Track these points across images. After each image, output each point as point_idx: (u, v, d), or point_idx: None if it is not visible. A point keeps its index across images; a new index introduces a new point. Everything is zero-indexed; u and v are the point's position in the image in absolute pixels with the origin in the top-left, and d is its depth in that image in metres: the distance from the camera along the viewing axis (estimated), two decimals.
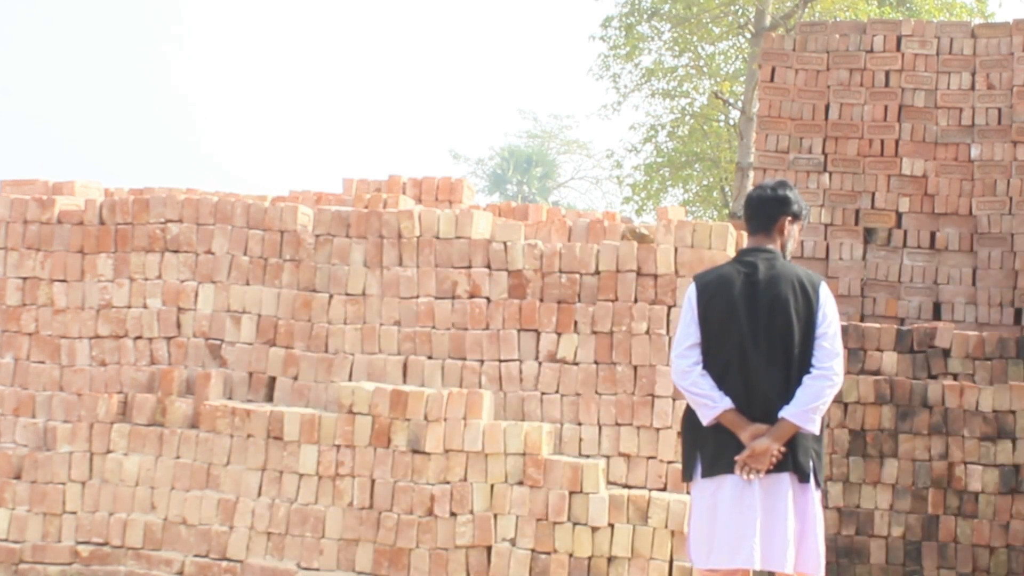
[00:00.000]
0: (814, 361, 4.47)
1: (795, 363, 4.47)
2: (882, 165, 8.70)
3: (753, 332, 4.48)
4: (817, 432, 4.49)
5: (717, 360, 4.52)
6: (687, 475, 4.64)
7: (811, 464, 4.48)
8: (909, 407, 7.23)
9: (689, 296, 4.62)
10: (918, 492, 7.19)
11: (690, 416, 4.63)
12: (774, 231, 4.66)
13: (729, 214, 18.90)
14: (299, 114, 71.02)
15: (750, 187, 4.85)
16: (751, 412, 4.45)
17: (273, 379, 7.19)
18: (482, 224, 7.17)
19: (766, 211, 4.66)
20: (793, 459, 4.44)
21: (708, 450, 4.52)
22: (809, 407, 4.41)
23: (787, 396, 4.45)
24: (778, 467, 4.42)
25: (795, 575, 4.45)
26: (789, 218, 4.67)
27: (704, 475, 4.53)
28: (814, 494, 4.50)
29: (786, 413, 4.41)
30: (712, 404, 4.47)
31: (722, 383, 4.49)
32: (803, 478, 4.45)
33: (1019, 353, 7.36)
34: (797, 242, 4.83)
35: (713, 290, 4.56)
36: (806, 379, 4.45)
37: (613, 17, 22.40)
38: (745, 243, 4.78)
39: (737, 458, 4.41)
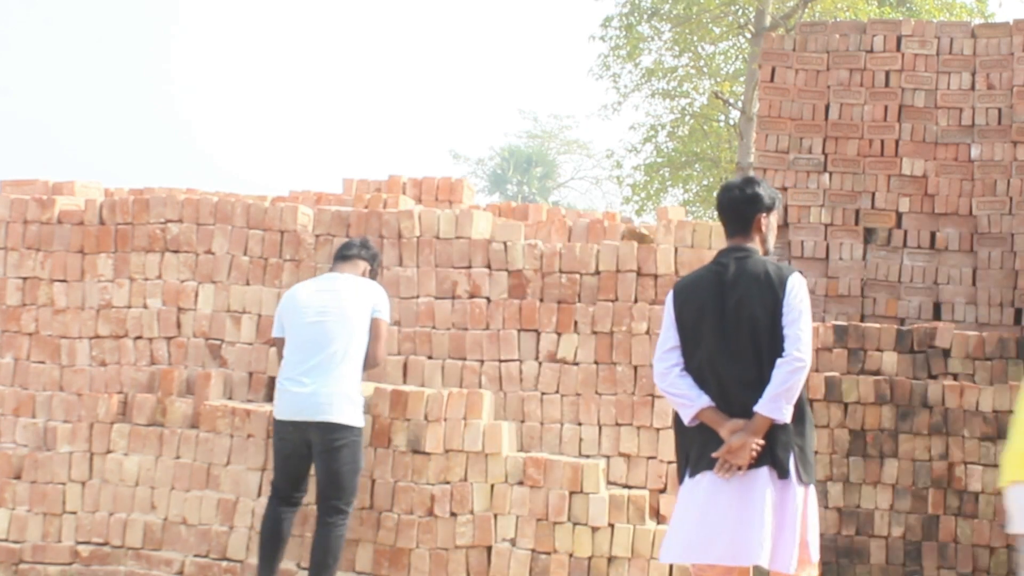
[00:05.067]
0: (783, 350, 4.47)
1: (766, 357, 4.48)
2: (882, 165, 8.69)
3: (721, 331, 4.52)
4: (788, 420, 4.45)
5: (693, 361, 4.59)
6: (679, 477, 4.69)
7: (791, 459, 4.45)
8: (909, 407, 7.23)
9: (668, 301, 4.71)
10: (918, 492, 7.19)
11: (678, 419, 4.68)
12: (751, 230, 4.69)
13: None
14: (299, 114, 71.03)
15: None
16: (730, 410, 4.49)
17: (273, 379, 7.18)
18: (482, 224, 7.17)
19: (739, 212, 4.68)
20: (771, 453, 4.43)
21: (695, 450, 4.57)
22: (775, 394, 4.40)
23: (762, 390, 4.45)
24: (757, 462, 4.43)
25: (771, 571, 4.45)
26: (763, 214, 4.68)
27: (691, 475, 4.58)
28: (797, 490, 4.44)
29: (757, 406, 4.43)
30: (689, 403, 4.54)
31: (701, 383, 4.55)
32: (782, 473, 4.44)
33: (1019, 353, 7.36)
34: (776, 232, 4.85)
35: (687, 294, 4.65)
36: (774, 369, 4.45)
37: (613, 17, 22.42)
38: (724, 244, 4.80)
39: (715, 455, 4.43)
